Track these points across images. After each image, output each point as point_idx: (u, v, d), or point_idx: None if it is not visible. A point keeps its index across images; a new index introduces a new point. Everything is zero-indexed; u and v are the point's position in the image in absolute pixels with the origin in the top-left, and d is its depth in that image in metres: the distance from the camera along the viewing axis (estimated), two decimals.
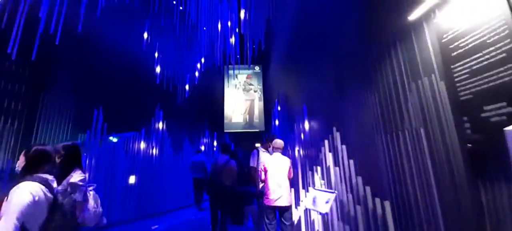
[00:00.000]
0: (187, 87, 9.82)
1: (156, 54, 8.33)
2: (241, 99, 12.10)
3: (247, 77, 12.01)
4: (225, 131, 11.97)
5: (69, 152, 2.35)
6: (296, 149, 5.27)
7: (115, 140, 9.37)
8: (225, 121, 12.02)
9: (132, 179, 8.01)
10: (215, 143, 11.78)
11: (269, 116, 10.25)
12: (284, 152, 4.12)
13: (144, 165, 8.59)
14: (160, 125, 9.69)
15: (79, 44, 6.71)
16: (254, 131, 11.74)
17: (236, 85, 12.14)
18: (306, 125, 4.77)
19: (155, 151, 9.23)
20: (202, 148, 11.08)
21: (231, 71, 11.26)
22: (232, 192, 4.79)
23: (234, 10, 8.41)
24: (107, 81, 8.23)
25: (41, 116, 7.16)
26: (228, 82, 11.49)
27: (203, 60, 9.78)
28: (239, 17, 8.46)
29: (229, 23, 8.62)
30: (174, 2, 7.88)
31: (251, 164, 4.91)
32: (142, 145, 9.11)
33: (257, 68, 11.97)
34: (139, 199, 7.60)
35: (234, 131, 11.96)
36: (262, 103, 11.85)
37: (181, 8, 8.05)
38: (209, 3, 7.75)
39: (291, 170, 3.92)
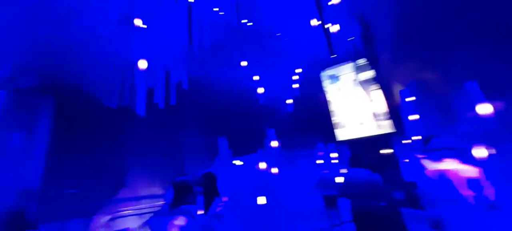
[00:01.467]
0: (289, 101, 9.92)
1: (257, 77, 9.09)
2: (351, 101, 10.70)
3: (353, 74, 10.66)
4: (339, 140, 10.78)
5: (207, 180, 2.46)
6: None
7: (239, 163, 10.56)
8: (337, 128, 10.87)
9: (261, 200, 8.33)
10: (334, 155, 10.78)
11: (395, 112, 8.39)
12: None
13: (269, 185, 8.81)
14: (274, 143, 10.06)
15: (201, 86, 8.49)
16: (378, 135, 9.81)
17: (340, 88, 11.02)
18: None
19: (275, 170, 9.39)
20: (319, 161, 10.39)
21: (330, 73, 10.41)
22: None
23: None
24: (224, 113, 9.68)
25: (190, 149, 9.25)
26: (329, 87, 10.63)
27: (300, 70, 9.72)
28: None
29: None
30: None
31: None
32: (262, 165, 9.60)
33: (361, 61, 10.43)
34: (271, 221, 7.59)
35: (351, 138, 10.52)
36: (382, 99, 9.92)
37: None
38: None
39: None
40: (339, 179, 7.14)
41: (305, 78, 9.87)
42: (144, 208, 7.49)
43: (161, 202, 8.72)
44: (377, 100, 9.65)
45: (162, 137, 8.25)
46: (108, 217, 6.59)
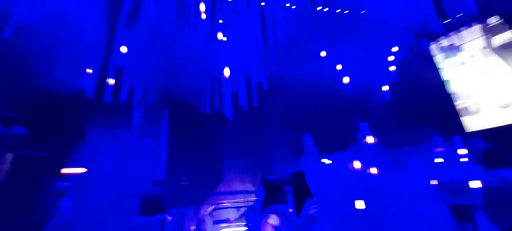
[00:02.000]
0: (385, 88, 8.29)
1: (339, 66, 8.18)
2: (484, 77, 7.73)
3: (482, 39, 7.66)
4: (469, 131, 8.00)
5: (297, 180, 2.42)
6: None
7: (328, 161, 9.83)
8: (466, 115, 8.10)
9: (359, 204, 7.49)
10: (462, 152, 8.14)
11: None
12: None
13: (367, 187, 7.82)
14: (369, 139, 8.76)
15: (281, 84, 8.56)
16: None
17: (463, 62, 8.16)
18: None
19: (375, 170, 8.19)
20: (438, 160, 8.09)
21: (445, 44, 7.88)
22: None
23: None
24: (308, 109, 9.29)
25: (270, 149, 9.53)
26: (445, 62, 8.04)
27: (396, 48, 7.96)
28: None
29: None
30: None
31: None
32: (357, 164, 8.62)
33: (493, 20, 7.31)
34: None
35: (488, 128, 7.61)
36: None
37: None
38: None
39: None
40: (475, 184, 5.25)
41: (404, 57, 7.99)
42: (239, 202, 8.33)
43: (253, 198, 9.43)
44: None
45: (249, 137, 8.92)
46: (211, 208, 7.76)
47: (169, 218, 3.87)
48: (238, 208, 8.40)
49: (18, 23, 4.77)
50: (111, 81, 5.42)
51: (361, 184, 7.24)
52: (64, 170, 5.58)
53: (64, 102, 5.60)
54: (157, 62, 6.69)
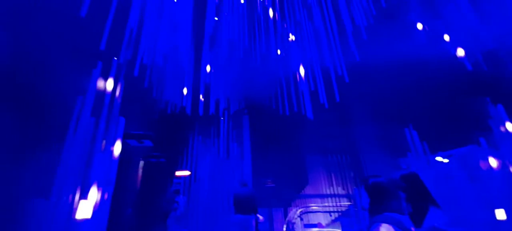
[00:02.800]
0: None
1: (446, 37, 6.23)
2: None
3: None
4: None
5: (412, 183, 2.01)
6: None
7: (445, 160, 7.70)
8: None
9: (499, 214, 5.73)
10: None
11: None
12: None
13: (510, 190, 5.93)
14: (510, 126, 6.36)
15: (365, 74, 7.44)
16: None
17: None
18: None
19: None
20: None
21: None
22: None
23: None
24: (408, 96, 7.64)
25: (359, 148, 8.39)
26: None
27: None
28: None
29: None
30: None
31: None
32: (492, 162, 6.57)
33: None
34: None
35: None
36: None
37: None
38: None
39: None
40: None
41: None
42: (329, 206, 7.78)
43: (345, 203, 8.59)
44: None
45: (335, 135, 8.22)
46: (300, 210, 7.65)
47: (261, 218, 4.06)
48: (329, 212, 7.88)
49: (141, 63, 6.20)
50: (202, 97, 6.34)
51: (501, 188, 5.32)
52: (178, 173, 6.96)
53: (174, 119, 7.04)
54: (235, 73, 7.31)
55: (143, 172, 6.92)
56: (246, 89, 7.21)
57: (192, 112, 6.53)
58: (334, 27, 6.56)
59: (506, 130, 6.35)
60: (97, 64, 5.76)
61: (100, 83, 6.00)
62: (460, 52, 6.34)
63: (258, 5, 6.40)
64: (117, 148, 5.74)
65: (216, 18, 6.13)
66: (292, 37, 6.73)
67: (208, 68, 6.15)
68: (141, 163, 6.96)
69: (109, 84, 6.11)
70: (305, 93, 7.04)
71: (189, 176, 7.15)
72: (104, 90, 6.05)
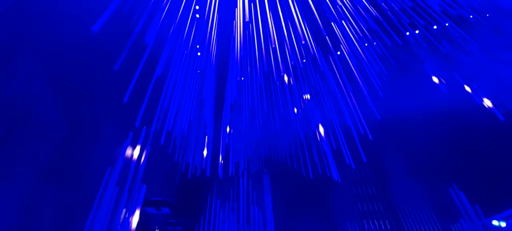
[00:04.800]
0: None
1: (468, 88, 6.04)
2: None
3: None
4: None
5: None
6: None
7: (503, 224, 6.41)
8: None
9: None
10: None
11: None
12: None
13: None
14: None
15: (390, 131, 7.18)
16: None
17: None
18: None
19: None
20: None
21: None
22: None
23: None
24: (442, 151, 7.03)
25: (400, 211, 7.34)
26: None
27: None
28: None
29: None
30: None
31: None
32: None
33: None
34: None
35: None
36: None
37: None
38: None
39: None
40: None
41: None
42: None
43: None
44: None
45: (368, 198, 7.41)
46: None
47: None
48: None
49: (168, 131, 6.65)
50: (221, 159, 6.42)
51: None
52: None
53: (193, 182, 7.02)
54: (255, 135, 7.47)
55: None
56: (266, 150, 7.23)
57: (211, 174, 6.50)
58: (348, 88, 6.83)
59: None
60: (129, 135, 6.34)
61: (128, 152, 6.44)
62: (487, 102, 6.04)
63: (274, 73, 7.03)
64: (135, 218, 5.69)
65: (242, 78, 6.73)
66: (307, 96, 7.03)
67: (228, 129, 6.44)
68: None
69: (136, 152, 6.53)
70: (328, 154, 6.84)
71: None
72: (131, 159, 6.45)
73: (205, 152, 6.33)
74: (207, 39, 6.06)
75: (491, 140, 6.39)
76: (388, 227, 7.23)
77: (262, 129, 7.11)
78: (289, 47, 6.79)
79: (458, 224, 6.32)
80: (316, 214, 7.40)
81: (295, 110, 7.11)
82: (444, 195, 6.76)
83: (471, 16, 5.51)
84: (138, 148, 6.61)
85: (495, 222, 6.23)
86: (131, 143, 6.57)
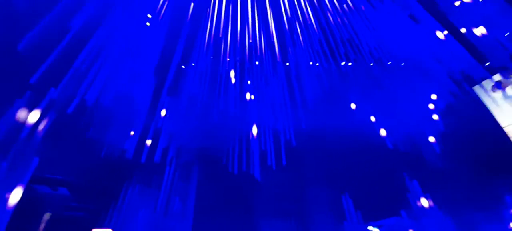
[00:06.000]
0: (431, 139, 7.36)
1: (373, 118, 7.70)
2: None
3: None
4: None
5: None
6: None
7: (376, 230, 8.30)
8: None
9: None
10: None
11: None
12: None
13: None
14: (424, 202, 7.49)
15: (311, 141, 8.22)
16: None
17: None
18: None
19: None
20: None
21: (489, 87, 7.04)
22: None
23: None
24: (341, 165, 8.51)
25: (310, 209, 8.51)
26: (497, 105, 6.99)
27: (434, 96, 7.36)
28: None
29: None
30: None
31: None
32: None
33: None
34: None
35: None
36: None
37: None
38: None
39: None
40: None
41: (447, 104, 7.30)
42: None
43: None
44: None
45: (282, 198, 8.23)
46: None
47: None
48: None
49: (82, 100, 5.54)
50: (148, 142, 5.85)
51: None
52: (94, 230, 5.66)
53: (107, 163, 6.10)
54: (191, 124, 7.15)
55: (47, 228, 5.30)
56: (199, 141, 6.99)
57: (133, 158, 5.83)
58: (286, 96, 7.43)
59: (421, 204, 7.45)
60: (25, 94, 4.93)
61: (21, 115, 5.04)
62: (383, 132, 7.76)
63: (221, 66, 6.91)
64: (15, 195, 4.47)
65: (183, 66, 6.31)
66: (250, 96, 7.24)
67: (163, 112, 5.91)
68: (46, 216, 5.40)
69: (33, 117, 5.17)
70: (255, 153, 7.21)
71: None
72: (23, 124, 5.05)
73: (132, 132, 5.63)
74: (159, 9, 5.36)
75: (379, 162, 8.01)
76: (295, 226, 8.21)
77: (200, 119, 6.89)
78: (239, 43, 6.83)
79: (342, 226, 7.54)
80: (236, 211, 7.70)
81: (238, 108, 7.21)
82: (338, 201, 8.01)
83: (389, 62, 7.04)
84: (35, 113, 5.21)
85: (370, 228, 7.74)
86: (26, 105, 5.14)
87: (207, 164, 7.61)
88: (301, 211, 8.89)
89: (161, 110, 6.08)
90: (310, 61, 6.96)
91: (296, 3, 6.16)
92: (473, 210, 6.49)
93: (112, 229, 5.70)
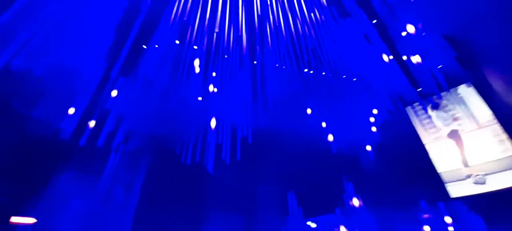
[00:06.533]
0: (368, 148, 8.48)
1: (324, 124, 8.45)
2: (458, 144, 8.09)
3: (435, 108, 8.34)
4: (453, 197, 7.94)
5: None
6: None
7: (313, 225, 9.19)
8: (446, 181, 8.12)
9: None
10: (448, 220, 7.91)
11: None
12: None
13: None
14: (355, 202, 8.52)
15: (267, 140, 8.56)
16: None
17: (441, 128, 8.65)
18: None
19: None
20: (426, 228, 7.78)
21: (420, 110, 8.48)
22: None
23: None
24: (291, 165, 9.12)
25: (257, 205, 8.93)
26: (423, 128, 8.47)
27: (375, 111, 8.48)
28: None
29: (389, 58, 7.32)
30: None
31: None
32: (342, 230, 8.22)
33: (462, 88, 8.06)
34: None
35: (471, 194, 7.59)
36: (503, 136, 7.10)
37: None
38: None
39: None
40: None
41: (384, 119, 8.46)
42: None
43: None
44: (495, 138, 6.92)
45: (232, 193, 8.40)
46: None
47: None
48: None
49: (7, 65, 4.63)
50: (92, 123, 5.21)
51: None
52: (14, 219, 4.83)
53: (37, 143, 5.23)
54: (146, 109, 6.64)
55: None
56: (153, 128, 6.52)
57: (72, 139, 5.10)
58: (248, 93, 7.48)
59: (353, 204, 8.47)
60: None
61: None
62: (330, 137, 8.55)
63: (185, 50, 6.52)
64: None
65: (144, 46, 5.72)
66: (213, 89, 7.05)
67: (114, 93, 5.27)
68: None
69: None
70: (211, 146, 7.11)
71: (34, 225, 5.02)
72: None
73: (72, 110, 4.88)
74: None
75: (324, 164, 8.79)
76: (242, 220, 8.50)
77: (156, 105, 6.43)
78: (207, 33, 6.58)
79: (285, 221, 8.14)
80: (185, 203, 7.52)
81: (200, 98, 6.95)
82: (284, 198, 8.56)
83: (344, 76, 7.74)
84: None
85: (308, 223, 8.50)
86: None
87: (159, 153, 7.20)
88: (249, 206, 9.24)
89: (112, 90, 5.44)
90: (276, 63, 7.14)
91: (268, 3, 6.21)
92: (393, 212, 7.70)
93: (36, 218, 4.94)
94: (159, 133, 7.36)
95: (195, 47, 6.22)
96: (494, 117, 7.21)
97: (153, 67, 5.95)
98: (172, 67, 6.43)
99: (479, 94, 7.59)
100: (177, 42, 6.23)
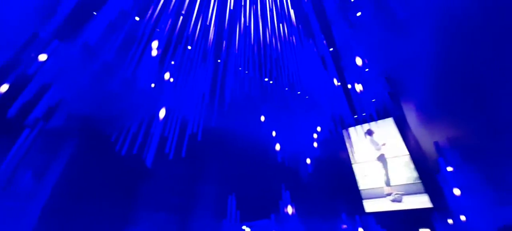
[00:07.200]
0: (308, 160, 9.30)
1: (274, 133, 8.86)
2: (378, 167, 9.71)
3: (369, 135, 9.99)
4: (367, 211, 9.39)
5: None
6: None
7: (248, 229, 9.42)
8: (364, 199, 9.58)
9: None
10: None
11: (432, 181, 7.32)
12: None
13: None
14: (290, 209, 9.09)
15: (217, 139, 8.40)
16: (414, 209, 8.44)
17: (367, 151, 10.22)
18: None
19: None
20: None
21: (353, 133, 9.86)
22: None
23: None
24: (236, 168, 9.19)
25: (195, 206, 8.59)
26: (352, 149, 9.89)
27: (319, 128, 9.39)
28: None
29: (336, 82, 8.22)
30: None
31: None
32: None
33: (389, 120, 9.80)
34: None
35: (382, 211, 9.12)
36: (412, 167, 8.87)
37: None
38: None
39: None
40: None
41: (325, 137, 9.43)
42: None
43: None
44: (407, 167, 8.66)
45: (170, 191, 7.85)
46: None
47: None
48: None
49: None
50: (5, 87, 4.09)
51: None
52: None
53: None
54: (82, 84, 5.59)
55: None
56: (87, 108, 5.47)
57: None
58: (206, 90, 7.17)
59: (287, 211, 9.03)
60: None
61: None
62: (277, 146, 8.99)
63: (143, 28, 5.82)
64: None
65: (94, 13, 4.79)
66: (169, 77, 6.48)
67: (42, 57, 4.17)
68: None
69: None
70: (154, 138, 6.50)
71: None
72: None
73: None
74: None
75: (267, 171, 9.13)
76: (176, 220, 8.02)
77: (96, 81, 5.46)
78: (173, 17, 6.07)
79: (220, 224, 8.13)
80: (113, 199, 6.57)
81: (153, 85, 6.25)
82: (224, 201, 8.54)
83: (299, 92, 8.28)
84: None
85: (244, 227, 8.67)
86: None
87: (88, 137, 6.09)
88: (186, 206, 8.82)
89: (40, 53, 4.38)
90: (240, 66, 7.10)
91: (243, 3, 6.17)
92: (319, 221, 8.54)
93: None
94: (93, 114, 6.30)
95: (158, 30, 5.62)
96: (406, 149, 8.96)
97: (99, 37, 5.05)
98: (124, 43, 5.62)
99: (397, 128, 9.33)
100: (137, 18, 5.51)
